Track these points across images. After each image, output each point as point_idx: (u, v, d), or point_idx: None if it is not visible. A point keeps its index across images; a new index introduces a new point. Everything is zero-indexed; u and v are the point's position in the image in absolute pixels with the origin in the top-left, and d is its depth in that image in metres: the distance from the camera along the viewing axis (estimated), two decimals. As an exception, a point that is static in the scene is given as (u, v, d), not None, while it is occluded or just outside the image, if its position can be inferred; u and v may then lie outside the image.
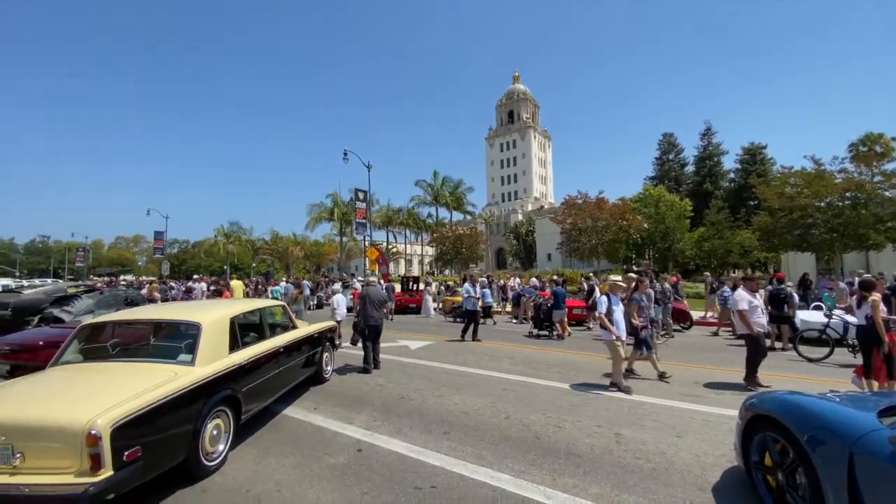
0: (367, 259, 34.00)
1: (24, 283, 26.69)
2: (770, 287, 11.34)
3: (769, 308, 10.80)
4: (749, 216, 41.08)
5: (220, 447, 4.14)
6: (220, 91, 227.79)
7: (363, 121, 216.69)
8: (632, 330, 7.41)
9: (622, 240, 37.37)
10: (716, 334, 13.03)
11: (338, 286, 17.09)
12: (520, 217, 77.68)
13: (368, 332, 8.43)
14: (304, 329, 6.74)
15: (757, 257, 40.80)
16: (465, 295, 12.62)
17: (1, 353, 7.56)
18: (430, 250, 60.73)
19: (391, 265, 50.98)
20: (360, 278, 24.47)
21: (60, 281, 31.51)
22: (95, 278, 43.07)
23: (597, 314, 7.25)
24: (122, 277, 51.43)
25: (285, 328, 6.26)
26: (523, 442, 4.68)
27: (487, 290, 17.81)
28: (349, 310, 13.09)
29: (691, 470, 4.00)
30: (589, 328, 14.22)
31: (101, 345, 4.64)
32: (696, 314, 15.20)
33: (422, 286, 22.59)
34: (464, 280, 14.07)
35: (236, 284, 19.38)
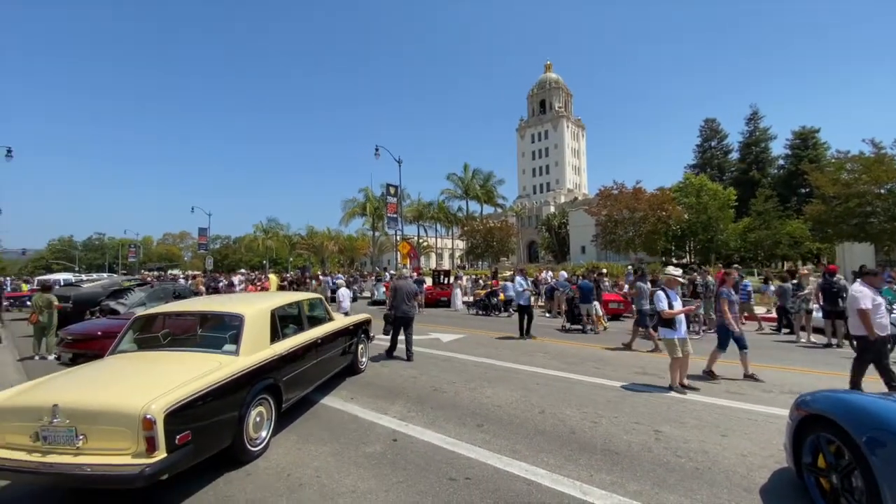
0: (398, 253, 34.44)
1: (83, 277, 28.66)
2: (821, 280, 10.70)
3: (822, 302, 10.22)
4: (800, 205, 38.79)
5: (263, 433, 4.31)
6: (258, 91, 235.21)
7: (394, 116, 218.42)
8: (720, 328, 6.99)
9: (661, 231, 36.04)
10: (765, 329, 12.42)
11: (340, 280, 17.70)
12: (552, 209, 76.39)
13: (399, 323, 8.80)
14: (340, 321, 6.91)
15: (808, 248, 38.47)
16: (519, 289, 11.46)
17: (65, 342, 8.19)
18: (461, 244, 60.70)
19: (422, 259, 51.37)
20: (391, 272, 24.97)
21: (115, 275, 33.61)
22: (146, 273, 45.71)
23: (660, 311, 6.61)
24: (169, 272, 54.27)
25: (322, 320, 6.43)
26: (559, 437, 4.63)
27: (509, 284, 17.80)
28: (381, 302, 13.31)
29: (737, 470, 3.84)
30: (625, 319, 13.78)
31: (154, 335, 4.92)
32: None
33: (453, 280, 22.68)
34: (517, 273, 12.69)
35: (272, 278, 20.39)
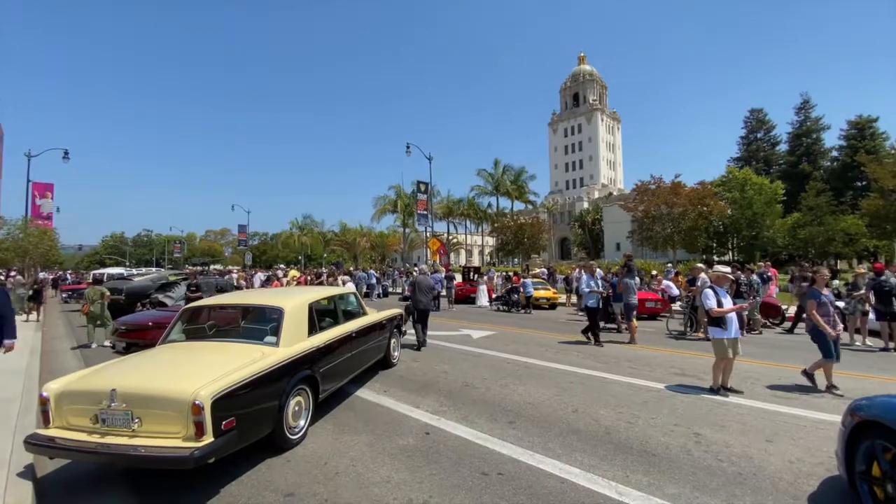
0: (428, 250, 34.62)
1: (134, 271, 30.42)
2: (870, 280, 10.06)
3: (875, 303, 9.59)
4: (856, 199, 36.32)
5: (301, 422, 4.47)
6: (296, 91, 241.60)
7: (424, 112, 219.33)
8: (813, 333, 6.35)
9: (701, 228, 34.50)
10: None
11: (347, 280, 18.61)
12: (586, 205, 74.76)
13: (418, 315, 9.54)
14: (373, 316, 7.05)
15: (864, 245, 35.97)
16: (586, 289, 10.18)
17: (119, 332, 8.75)
18: (491, 241, 60.38)
19: (451, 256, 51.46)
20: (416, 269, 25.54)
21: (162, 270, 35.49)
22: (190, 268, 48.00)
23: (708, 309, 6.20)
24: (211, 267, 56.74)
25: (357, 314, 6.59)
26: (593, 436, 4.56)
27: (528, 281, 17.72)
28: (406, 298, 13.58)
29: (783, 477, 3.67)
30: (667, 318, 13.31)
31: (200, 326, 5.19)
32: (793, 309, 13.71)
33: (487, 276, 22.80)
34: (583, 271, 11.53)
35: (293, 273, 21.41)
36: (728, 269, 6.92)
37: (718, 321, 6.07)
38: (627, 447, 4.26)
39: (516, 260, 46.01)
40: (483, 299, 19.90)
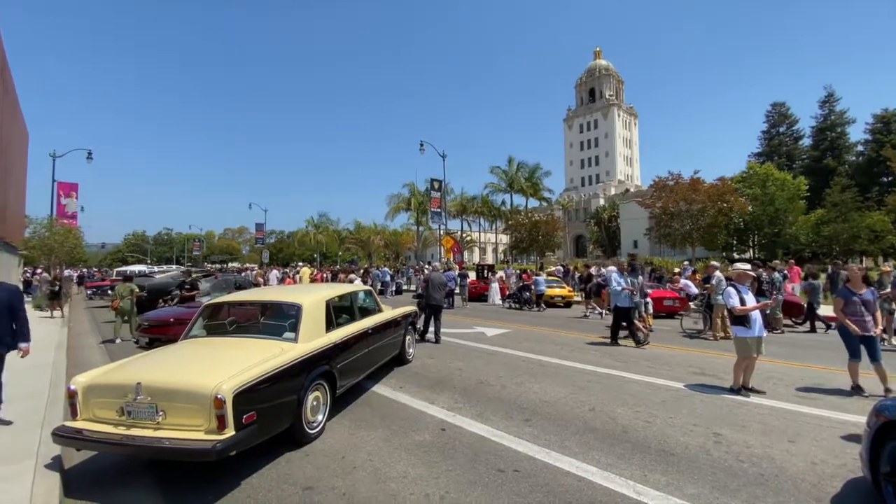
0: (441, 247, 34.62)
1: (155, 269, 31.19)
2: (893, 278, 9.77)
3: None
4: (882, 195, 35.12)
5: (319, 417, 4.54)
6: (309, 91, 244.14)
7: (438, 110, 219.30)
8: (841, 333, 6.10)
9: (721, 224, 33.74)
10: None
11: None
12: (602, 202, 73.91)
13: (430, 310, 9.92)
14: (388, 313, 7.10)
15: (891, 243, 34.78)
16: (617, 287, 9.48)
17: (142, 328, 8.98)
18: (505, 238, 60.12)
19: (465, 253, 51.39)
20: (426, 266, 25.89)
21: (182, 267, 36.30)
22: (209, 265, 48.96)
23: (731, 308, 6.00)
24: (229, 264, 57.77)
25: (373, 311, 6.64)
26: (610, 435, 4.52)
27: (540, 279, 17.63)
28: (419, 296, 13.71)
29: (805, 478, 3.59)
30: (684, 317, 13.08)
31: (221, 322, 5.30)
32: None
33: (500, 274, 22.78)
34: (613, 268, 10.82)
35: (304, 271, 21.62)
36: (748, 266, 6.76)
37: (742, 319, 5.90)
38: (645, 446, 4.22)
39: (534, 257, 45.67)
40: (495, 297, 19.93)
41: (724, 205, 32.19)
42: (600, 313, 14.95)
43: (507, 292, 20.07)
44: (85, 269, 47.41)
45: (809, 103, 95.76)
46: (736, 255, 40.94)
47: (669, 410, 5.25)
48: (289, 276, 20.11)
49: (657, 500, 3.26)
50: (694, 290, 13.76)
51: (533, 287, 17.27)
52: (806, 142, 56.87)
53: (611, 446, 4.22)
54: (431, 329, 9.94)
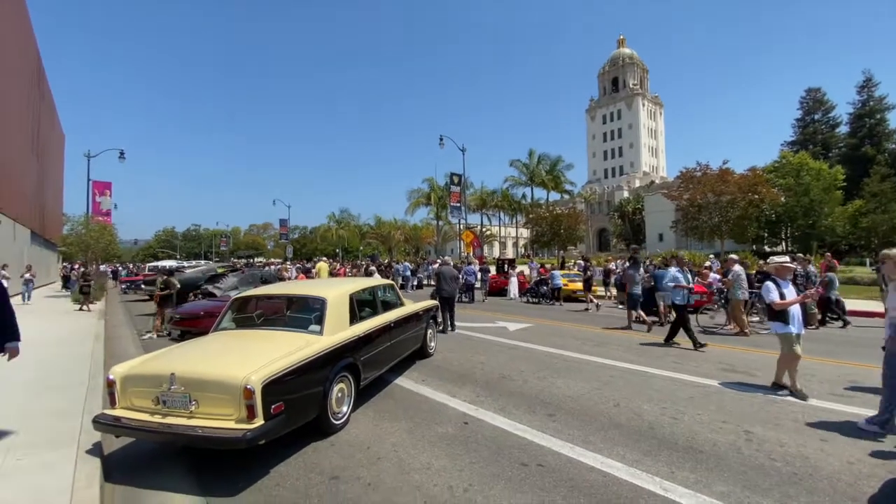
0: (461, 242, 34.57)
1: (185, 264, 32.18)
2: None
3: None
4: (928, 184, 33.25)
5: (344, 408, 4.62)
6: (329, 89, 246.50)
7: (458, 104, 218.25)
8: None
9: (752, 217, 32.56)
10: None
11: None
12: (626, 194, 72.40)
13: (443, 302, 10.29)
14: (410, 306, 7.15)
15: (935, 234, 32.96)
16: (672, 283, 8.83)
17: (174, 321, 9.30)
18: (525, 232, 59.61)
19: (485, 248, 51.23)
20: (439, 260, 26.10)
21: (210, 262, 37.40)
22: (235, 260, 50.28)
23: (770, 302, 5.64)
24: (255, 260, 59.14)
25: (395, 305, 6.70)
26: (636, 431, 4.45)
27: (557, 272, 17.43)
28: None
29: (841, 478, 3.46)
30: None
31: (249, 315, 5.44)
32: (854, 303, 12.80)
33: (522, 269, 22.71)
34: (667, 264, 10.39)
35: (321, 266, 21.90)
36: (786, 259, 6.45)
37: (781, 315, 5.56)
38: (672, 443, 4.14)
39: (558, 251, 45.13)
40: (514, 291, 19.89)
41: (756, 196, 31.05)
42: (597, 305, 15.13)
43: (528, 286, 19.98)
44: (119, 265, 49.37)
45: (846, 89, 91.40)
46: (767, 249, 39.56)
47: (697, 407, 5.13)
48: (299, 272, 20.26)
49: (685, 498, 3.20)
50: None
51: (550, 281, 17.17)
52: (843, 129, 54.31)
53: (636, 442, 4.16)
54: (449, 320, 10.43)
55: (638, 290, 10.96)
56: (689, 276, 10.77)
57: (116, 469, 3.77)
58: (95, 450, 3.86)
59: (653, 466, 3.68)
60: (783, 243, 41.98)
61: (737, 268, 10.18)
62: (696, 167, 33.93)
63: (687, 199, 33.51)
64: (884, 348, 4.45)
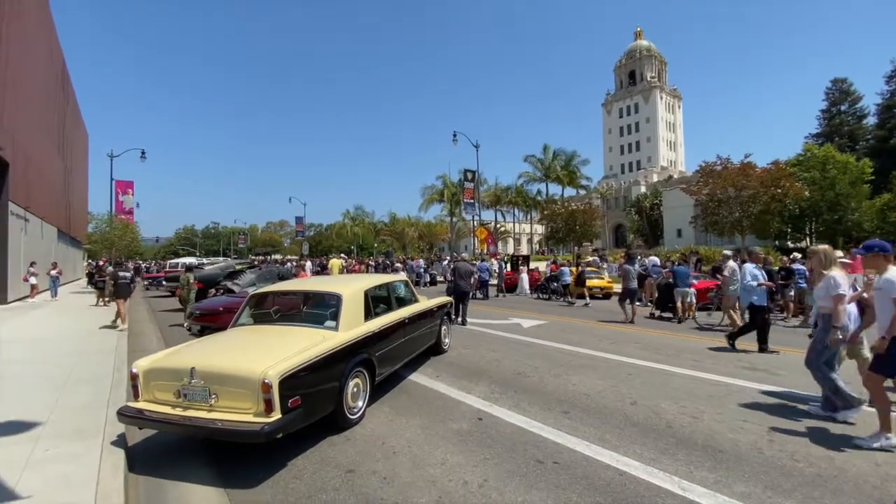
0: (475, 238, 34.49)
1: (204, 261, 32.87)
2: None
3: None
4: (962, 176, 31.89)
5: (360, 403, 4.66)
6: (344, 89, 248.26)
7: (471, 100, 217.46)
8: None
9: (774, 211, 31.67)
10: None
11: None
12: (643, 189, 71.23)
13: (458, 296, 10.83)
14: (424, 303, 7.17)
15: (970, 229, 31.62)
16: (752, 283, 7.92)
17: (194, 316, 9.49)
18: (540, 228, 59.14)
19: (499, 244, 50.99)
20: (451, 257, 26.40)
21: (229, 259, 38.08)
22: (253, 257, 51.14)
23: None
24: (271, 257, 60.03)
25: (409, 302, 6.72)
26: (653, 429, 4.39)
27: (566, 269, 17.32)
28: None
29: (868, 480, 3.36)
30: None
31: (266, 311, 5.53)
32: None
33: (540, 266, 22.77)
34: (744, 261, 9.09)
35: (334, 262, 22.25)
36: (841, 253, 5.95)
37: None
38: (691, 442, 4.06)
39: (573, 247, 44.70)
40: (525, 287, 20.05)
41: (778, 190, 30.22)
42: (586, 303, 15.35)
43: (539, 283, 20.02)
44: (141, 262, 50.68)
45: (874, 79, 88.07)
46: (790, 244, 38.48)
47: (718, 406, 5.03)
48: (303, 270, 20.36)
49: (704, 498, 3.14)
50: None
51: (560, 277, 17.19)
52: (870, 121, 52.33)
53: (654, 441, 4.10)
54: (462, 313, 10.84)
55: (633, 284, 11.60)
56: (634, 268, 11.80)
57: (140, 460, 3.87)
58: (120, 441, 3.97)
59: (671, 465, 3.62)
60: (807, 239, 40.76)
61: (731, 264, 9.96)
62: (717, 161, 33.19)
63: (707, 193, 32.80)
64: (811, 336, 4.82)
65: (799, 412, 4.83)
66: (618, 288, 18.28)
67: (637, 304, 11.98)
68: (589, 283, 17.10)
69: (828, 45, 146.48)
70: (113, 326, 10.79)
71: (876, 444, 3.88)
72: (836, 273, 4.70)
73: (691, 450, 3.91)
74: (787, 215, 35.81)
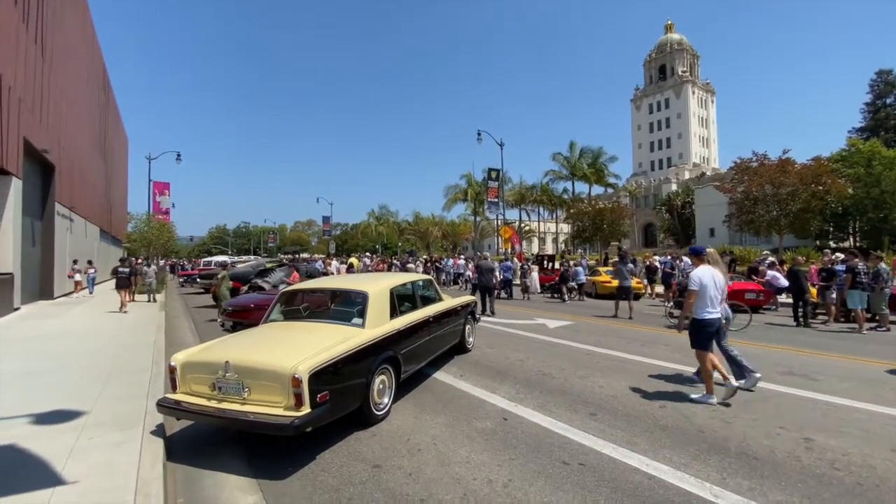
0: (499, 237, 34.28)
1: (236, 259, 34.00)
2: None
3: None
4: None
5: (385, 400, 4.74)
6: (370, 91, 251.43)
7: (496, 98, 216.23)
8: None
9: (815, 210, 30.16)
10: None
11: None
12: (674, 187, 69.20)
13: (483, 291, 12.71)
14: (448, 301, 7.20)
15: None
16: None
17: (226, 313, 9.81)
18: (566, 227, 58.28)
19: (524, 244, 50.46)
20: (475, 255, 26.90)
21: (259, 258, 39.22)
22: (282, 256, 52.46)
23: None
24: (300, 255, 61.42)
25: (433, 300, 6.76)
26: (684, 433, 4.28)
27: (580, 269, 17.72)
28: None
29: (914, 492, 3.18)
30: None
31: (296, 308, 5.68)
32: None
33: (561, 265, 22.40)
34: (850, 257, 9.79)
35: (353, 261, 23.17)
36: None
37: None
38: (724, 448, 3.94)
39: (600, 247, 43.85)
40: (535, 286, 20.05)
41: (820, 187, 28.76)
42: (580, 299, 16.19)
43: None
44: (175, 260, 52.80)
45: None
46: (832, 244, 36.67)
47: (752, 411, 4.86)
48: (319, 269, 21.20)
49: (737, 505, 3.05)
50: (783, 282, 12.59)
51: (574, 277, 17.05)
52: (922, 113, 49.17)
53: (684, 446, 4.00)
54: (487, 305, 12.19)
55: (627, 283, 12.45)
56: (627, 268, 12.81)
57: (177, 449, 4.05)
58: (159, 431, 4.16)
59: (702, 471, 3.52)
60: (850, 238, 38.71)
61: (686, 259, 9.67)
62: (753, 157, 31.82)
63: (742, 191, 31.51)
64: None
65: (837, 420, 4.61)
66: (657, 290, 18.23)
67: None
68: (615, 283, 16.79)
69: (871, 37, 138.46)
70: (124, 312, 12.92)
71: None
72: None
73: (724, 456, 3.79)
74: (829, 213, 34.09)
